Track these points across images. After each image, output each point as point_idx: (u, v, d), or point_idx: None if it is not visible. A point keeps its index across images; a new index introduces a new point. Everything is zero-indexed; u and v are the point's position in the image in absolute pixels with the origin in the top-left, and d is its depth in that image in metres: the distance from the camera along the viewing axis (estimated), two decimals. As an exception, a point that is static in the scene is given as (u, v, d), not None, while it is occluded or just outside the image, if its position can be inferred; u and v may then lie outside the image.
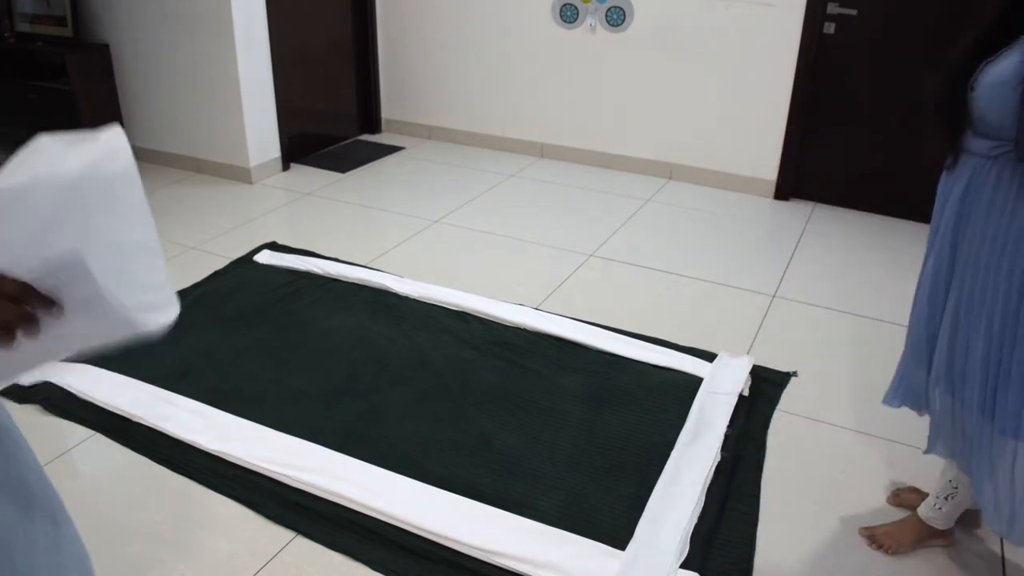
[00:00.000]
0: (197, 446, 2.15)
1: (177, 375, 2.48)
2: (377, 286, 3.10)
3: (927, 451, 1.81)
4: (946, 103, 1.57)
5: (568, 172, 4.61)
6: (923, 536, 1.89)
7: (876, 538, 1.92)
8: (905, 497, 2.05)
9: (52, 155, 0.77)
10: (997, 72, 1.43)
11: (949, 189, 1.61)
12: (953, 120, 1.57)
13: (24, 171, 0.75)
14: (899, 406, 1.89)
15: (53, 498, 1.00)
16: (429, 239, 3.66)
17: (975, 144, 1.52)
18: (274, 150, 4.43)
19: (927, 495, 1.98)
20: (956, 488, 1.79)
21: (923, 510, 1.88)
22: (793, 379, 2.59)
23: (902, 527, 1.92)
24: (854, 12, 3.80)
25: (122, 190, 0.80)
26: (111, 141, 0.80)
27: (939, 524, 1.86)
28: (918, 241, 3.76)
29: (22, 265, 0.74)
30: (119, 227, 0.81)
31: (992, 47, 1.47)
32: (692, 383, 2.50)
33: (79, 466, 2.14)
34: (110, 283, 0.79)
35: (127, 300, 0.81)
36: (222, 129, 4.26)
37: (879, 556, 1.89)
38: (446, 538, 1.86)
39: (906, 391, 1.84)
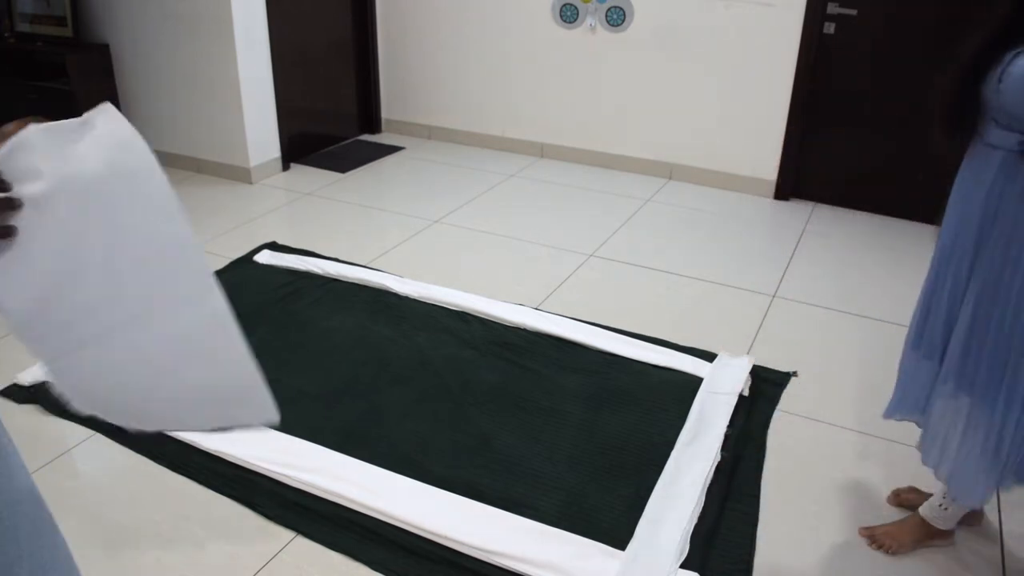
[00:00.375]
0: (197, 446, 2.15)
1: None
2: (377, 286, 3.10)
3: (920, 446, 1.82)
4: (957, 100, 1.56)
5: (568, 172, 4.61)
6: (924, 536, 1.89)
7: (876, 538, 1.92)
8: (905, 497, 2.05)
9: (62, 154, 0.74)
10: (1021, 65, 1.43)
11: (971, 184, 1.60)
12: (962, 116, 1.56)
13: (37, 175, 0.72)
14: (900, 419, 1.88)
15: (43, 513, 0.97)
16: (429, 239, 3.66)
17: (1001, 138, 1.51)
18: (274, 150, 4.43)
19: (927, 495, 1.98)
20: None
21: (926, 510, 1.88)
22: (793, 379, 2.59)
23: (903, 527, 1.92)
24: (854, 12, 3.80)
25: (146, 184, 0.78)
26: (116, 130, 0.77)
27: (942, 524, 1.86)
28: (918, 241, 3.76)
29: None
30: (149, 221, 0.78)
31: (1005, 44, 1.47)
32: (692, 383, 2.50)
33: (79, 466, 2.14)
34: (153, 285, 0.79)
35: (173, 310, 0.82)
36: (222, 129, 4.26)
37: (879, 556, 1.89)
38: (446, 538, 1.86)
39: (908, 399, 1.83)
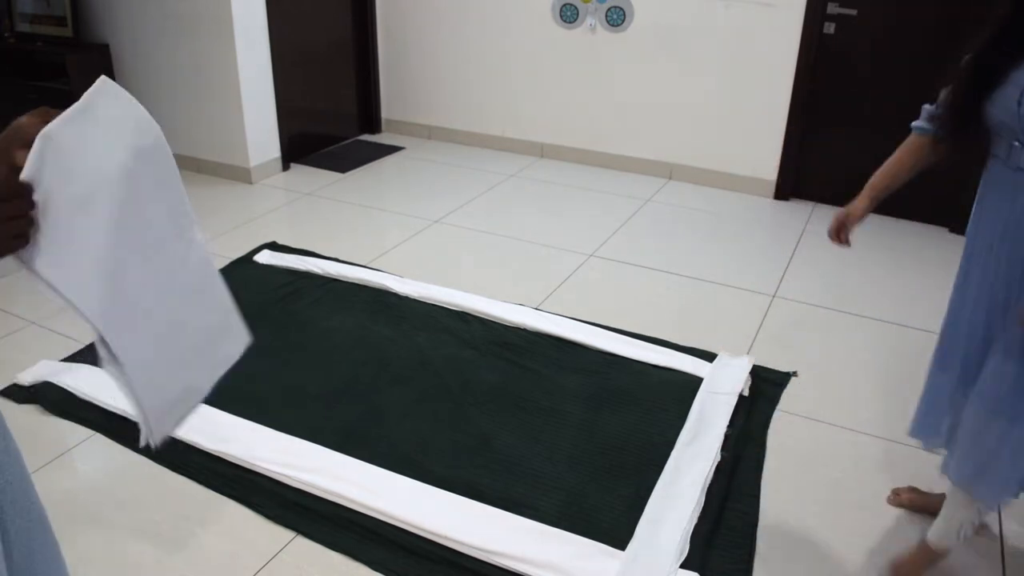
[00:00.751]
0: (197, 446, 2.15)
1: (177, 375, 2.48)
2: (377, 286, 3.10)
3: (944, 472, 1.74)
4: (960, 104, 1.53)
5: (568, 172, 4.61)
6: (935, 561, 1.81)
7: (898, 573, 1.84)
8: (905, 497, 2.05)
9: (90, 151, 0.78)
10: None
11: (1001, 212, 1.52)
12: (965, 123, 1.53)
13: (72, 175, 0.76)
14: (928, 446, 1.79)
15: (36, 514, 0.96)
16: (429, 239, 3.66)
17: None
18: (274, 150, 4.43)
19: (927, 494, 1.98)
20: (982, 514, 1.73)
21: (942, 540, 1.76)
22: (793, 379, 2.59)
23: (917, 560, 1.81)
24: (854, 12, 3.80)
25: (156, 157, 0.86)
26: (127, 113, 0.82)
27: (957, 545, 1.78)
28: (918, 241, 3.76)
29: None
30: (159, 188, 0.87)
31: (1005, 46, 1.43)
32: (692, 383, 2.50)
33: (79, 466, 2.14)
34: (166, 239, 0.89)
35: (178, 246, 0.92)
36: (222, 129, 4.26)
37: (878, 556, 1.89)
38: (446, 538, 1.86)
39: (931, 414, 1.76)
